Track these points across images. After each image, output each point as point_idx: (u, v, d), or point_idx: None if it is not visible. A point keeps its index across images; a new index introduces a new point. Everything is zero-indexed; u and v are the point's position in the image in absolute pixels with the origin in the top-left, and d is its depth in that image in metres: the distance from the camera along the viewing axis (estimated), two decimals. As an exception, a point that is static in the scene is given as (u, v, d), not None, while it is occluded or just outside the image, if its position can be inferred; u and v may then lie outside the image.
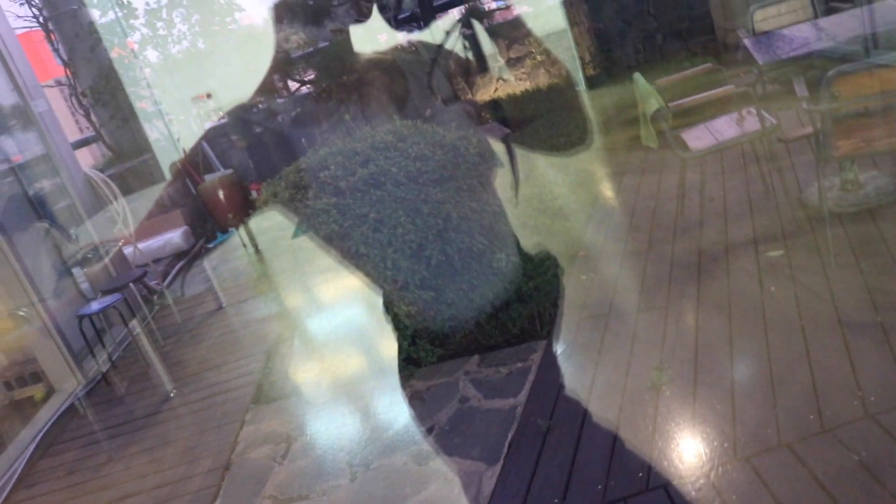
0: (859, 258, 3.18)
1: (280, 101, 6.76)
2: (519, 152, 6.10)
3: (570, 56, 8.03)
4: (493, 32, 8.09)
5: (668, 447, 2.47)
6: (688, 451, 2.42)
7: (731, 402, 2.57)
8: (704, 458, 2.36)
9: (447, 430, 2.99)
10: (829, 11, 4.68)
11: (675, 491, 2.28)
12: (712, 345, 2.94)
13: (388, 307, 3.56)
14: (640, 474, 2.39)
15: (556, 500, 2.42)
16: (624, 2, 7.88)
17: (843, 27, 4.16)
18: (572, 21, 7.91)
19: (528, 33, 8.49)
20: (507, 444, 2.77)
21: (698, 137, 3.78)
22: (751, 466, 2.27)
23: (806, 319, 2.89)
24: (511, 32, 8.47)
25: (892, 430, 2.22)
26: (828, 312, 2.89)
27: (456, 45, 7.06)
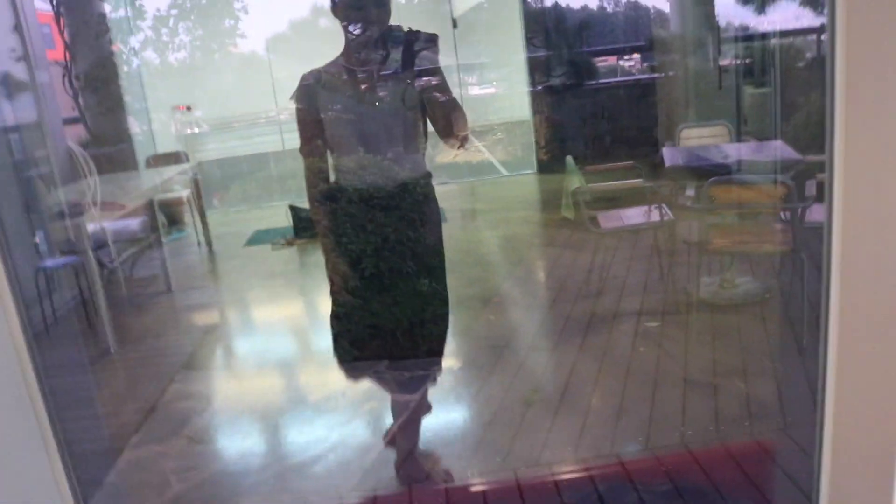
0: (715, 338, 3.85)
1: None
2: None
3: (528, 140, 8.82)
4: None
5: (526, 446, 3.04)
6: (545, 449, 3.00)
7: (583, 422, 3.16)
8: (550, 457, 2.94)
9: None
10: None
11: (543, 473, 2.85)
12: (581, 381, 3.54)
13: None
14: (498, 459, 2.96)
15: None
16: (584, 102, 8.72)
17: (740, 152, 4.92)
18: (536, 109, 8.72)
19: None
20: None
21: (609, 219, 4.47)
22: (586, 470, 2.85)
23: (659, 374, 3.53)
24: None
25: (701, 460, 2.83)
26: (677, 371, 3.53)
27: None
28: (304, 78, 2.53)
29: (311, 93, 2.54)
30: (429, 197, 2.80)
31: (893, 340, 1.46)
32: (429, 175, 2.78)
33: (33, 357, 1.53)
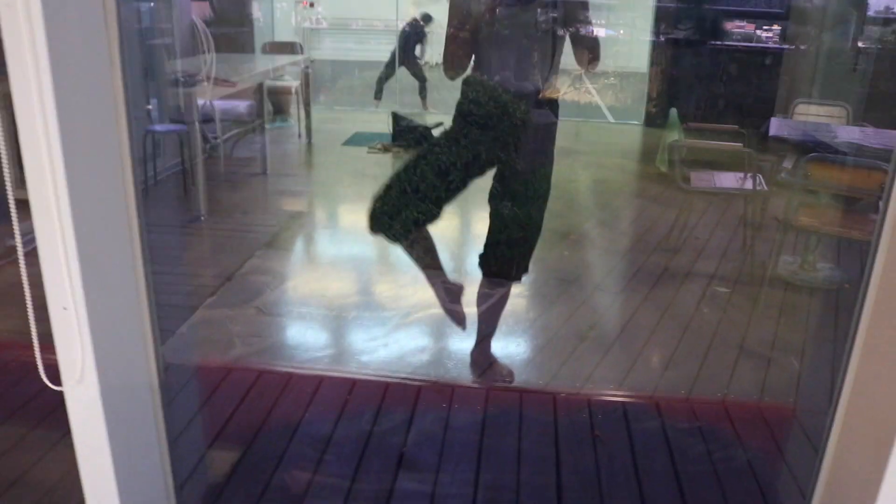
0: (782, 314, 3.82)
1: None
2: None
3: (640, 91, 8.64)
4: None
5: (584, 366, 3.13)
6: (599, 370, 3.09)
7: (633, 361, 3.23)
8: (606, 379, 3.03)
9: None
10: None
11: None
12: (639, 326, 3.59)
13: None
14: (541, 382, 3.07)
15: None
16: (703, 61, 8.46)
17: (852, 135, 4.75)
18: (654, 61, 8.52)
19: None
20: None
21: (701, 179, 4.41)
22: (621, 395, 2.93)
23: (717, 337, 3.54)
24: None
25: (734, 416, 2.87)
26: (736, 338, 3.53)
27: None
28: None
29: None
30: (550, 125, 2.87)
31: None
32: (556, 105, 2.85)
33: (139, 212, 1.71)
